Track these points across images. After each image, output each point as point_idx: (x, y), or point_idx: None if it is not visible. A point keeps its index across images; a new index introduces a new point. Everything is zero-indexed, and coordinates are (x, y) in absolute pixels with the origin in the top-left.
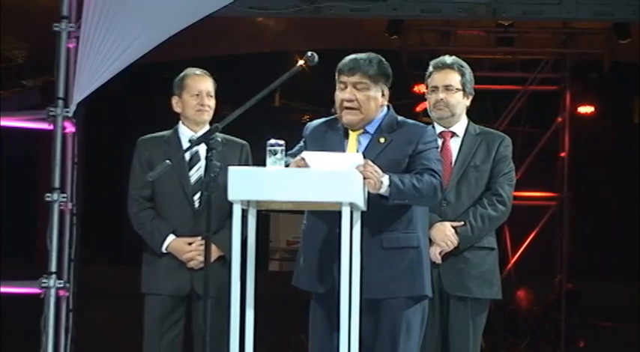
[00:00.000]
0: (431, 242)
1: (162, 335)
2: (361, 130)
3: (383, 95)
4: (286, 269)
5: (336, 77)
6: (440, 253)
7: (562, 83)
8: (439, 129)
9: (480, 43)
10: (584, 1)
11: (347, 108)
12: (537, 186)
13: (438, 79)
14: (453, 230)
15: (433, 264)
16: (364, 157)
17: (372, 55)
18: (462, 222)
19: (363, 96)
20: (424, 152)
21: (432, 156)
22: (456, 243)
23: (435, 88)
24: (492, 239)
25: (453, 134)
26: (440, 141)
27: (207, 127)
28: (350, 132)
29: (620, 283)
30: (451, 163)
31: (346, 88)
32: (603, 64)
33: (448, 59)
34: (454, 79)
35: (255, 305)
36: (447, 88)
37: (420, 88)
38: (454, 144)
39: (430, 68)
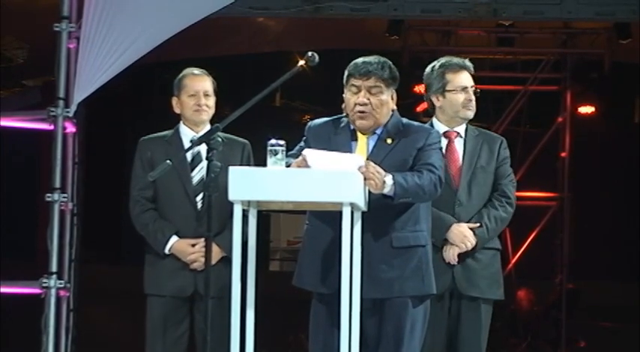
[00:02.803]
0: (446, 242)
1: (164, 337)
2: (370, 133)
3: (392, 99)
4: (287, 269)
5: (347, 80)
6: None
7: (562, 83)
8: (444, 128)
9: (481, 43)
10: (584, 1)
11: (360, 112)
12: (538, 186)
13: (465, 79)
14: (471, 231)
15: (448, 264)
16: (373, 158)
17: (382, 58)
18: (479, 224)
19: (376, 101)
20: (427, 152)
21: (433, 155)
22: (474, 243)
23: (465, 88)
24: (497, 240)
25: (458, 134)
26: (445, 141)
27: (207, 127)
28: (359, 134)
29: (620, 283)
30: (458, 163)
31: (360, 91)
32: (604, 63)
33: (466, 61)
34: (472, 81)
35: (256, 305)
36: (472, 89)
37: (420, 88)
38: (459, 145)
39: (449, 66)
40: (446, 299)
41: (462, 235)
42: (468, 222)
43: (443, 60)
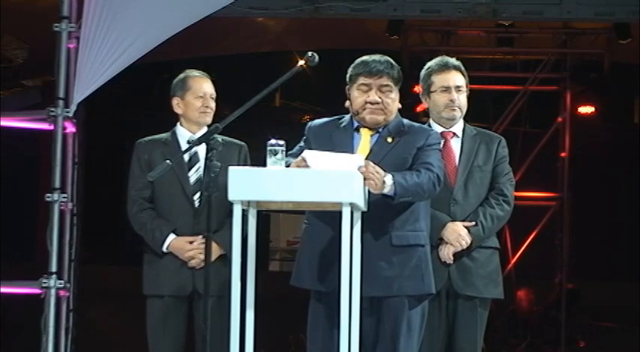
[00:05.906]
0: (442, 241)
1: (165, 337)
2: (373, 131)
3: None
4: (286, 269)
5: (354, 79)
6: (452, 253)
7: (562, 83)
8: (439, 129)
9: (481, 43)
10: (584, 1)
11: (372, 108)
12: (537, 186)
13: (448, 79)
14: (466, 230)
15: (443, 263)
16: (373, 157)
17: (385, 57)
18: (474, 222)
19: (388, 99)
20: (426, 152)
21: (432, 155)
22: (469, 242)
23: (447, 88)
24: (496, 239)
25: (454, 134)
26: (441, 142)
27: (205, 129)
28: (362, 133)
29: (620, 283)
30: (455, 163)
31: (370, 90)
32: (604, 64)
33: (451, 60)
34: (461, 80)
35: (256, 305)
36: (459, 88)
37: (419, 89)
38: (455, 145)
39: (434, 67)
40: (443, 298)
41: (457, 234)
42: (463, 221)
43: (432, 61)
